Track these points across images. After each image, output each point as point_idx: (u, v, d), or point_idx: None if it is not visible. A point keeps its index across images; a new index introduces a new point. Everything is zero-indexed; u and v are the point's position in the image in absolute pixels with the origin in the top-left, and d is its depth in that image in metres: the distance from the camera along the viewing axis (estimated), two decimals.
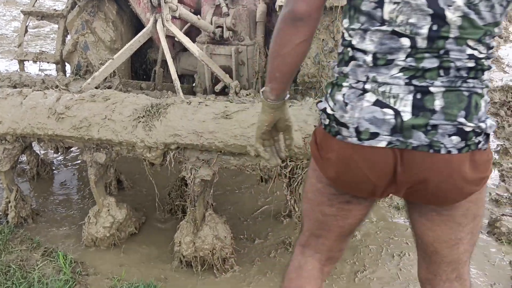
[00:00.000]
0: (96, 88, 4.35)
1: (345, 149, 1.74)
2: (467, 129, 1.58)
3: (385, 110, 1.62)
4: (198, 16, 4.78)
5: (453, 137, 1.58)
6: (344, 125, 1.71)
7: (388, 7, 1.58)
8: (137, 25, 5.49)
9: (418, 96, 1.59)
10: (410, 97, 1.59)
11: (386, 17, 1.59)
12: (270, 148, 2.32)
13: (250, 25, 5.07)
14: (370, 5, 1.61)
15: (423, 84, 1.58)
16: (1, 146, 3.91)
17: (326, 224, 2.05)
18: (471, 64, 1.57)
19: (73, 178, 5.11)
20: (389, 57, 1.61)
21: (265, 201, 4.55)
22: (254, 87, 5.03)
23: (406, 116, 1.59)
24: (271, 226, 4.14)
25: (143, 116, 3.55)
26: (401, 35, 1.59)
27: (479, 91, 1.61)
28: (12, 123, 3.79)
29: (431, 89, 1.58)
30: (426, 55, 1.57)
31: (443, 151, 1.59)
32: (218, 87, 4.99)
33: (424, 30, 1.55)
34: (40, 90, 3.95)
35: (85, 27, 5.15)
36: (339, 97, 1.73)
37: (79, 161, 5.42)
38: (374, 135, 1.65)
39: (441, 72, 1.58)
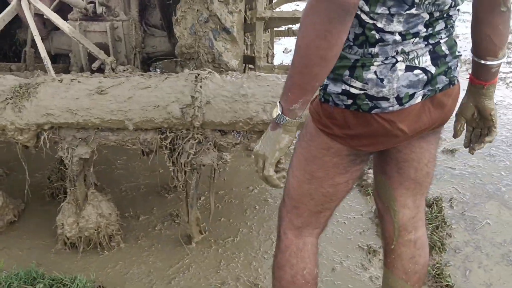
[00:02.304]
0: None
1: (384, 119, 1.86)
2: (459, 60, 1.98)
3: (416, 71, 1.82)
4: None
5: (457, 69, 1.95)
6: (383, 98, 1.81)
7: None
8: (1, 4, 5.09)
9: (431, 49, 1.85)
10: (427, 53, 1.84)
11: (417, 0, 1.72)
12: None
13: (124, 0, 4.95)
14: None
15: (435, 41, 1.85)
16: None
17: (334, 195, 2.12)
18: (454, 18, 1.92)
19: None
20: (413, 30, 1.78)
21: (148, 175, 4.56)
22: (133, 63, 4.95)
23: (432, 69, 1.84)
24: (155, 202, 4.17)
25: (11, 97, 3.36)
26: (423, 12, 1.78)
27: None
28: None
29: (440, 41, 1.87)
30: (439, 21, 1.83)
31: (455, 82, 1.95)
32: (95, 65, 4.82)
33: (446, 7, 1.80)
34: None
35: None
36: (370, 75, 1.79)
37: None
38: (412, 96, 1.84)
39: (445, 29, 1.88)
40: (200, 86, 3.33)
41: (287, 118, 1.75)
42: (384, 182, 2.30)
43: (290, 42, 9.00)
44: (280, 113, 1.75)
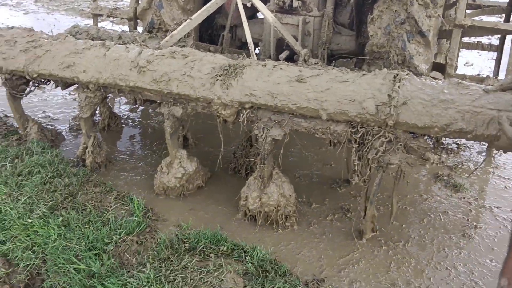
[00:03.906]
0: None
1: None
2: None
3: None
4: None
5: None
6: None
7: None
8: None
9: None
10: None
11: None
12: None
13: None
14: None
15: None
16: (83, 94, 4.18)
17: None
18: None
19: (140, 134, 5.38)
20: None
21: (320, 167, 4.69)
22: (320, 57, 5.12)
23: None
24: (327, 193, 4.28)
25: (221, 74, 3.71)
26: None
27: None
28: (96, 72, 4.03)
29: None
30: None
31: None
32: (282, 56, 5.08)
33: None
34: (121, 44, 4.18)
35: None
36: None
37: (141, 119, 5.69)
38: None
39: None
40: (398, 86, 3.32)
41: None
42: None
43: (472, 56, 8.48)
44: None
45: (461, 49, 8.14)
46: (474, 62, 8.31)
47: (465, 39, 6.31)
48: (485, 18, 7.20)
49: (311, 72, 3.61)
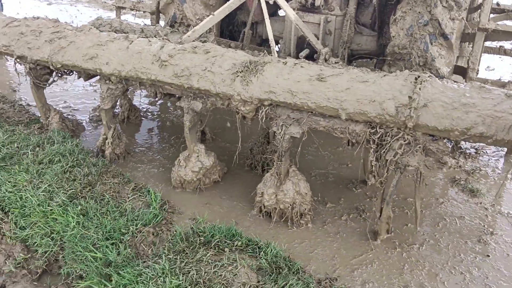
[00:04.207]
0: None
1: None
2: None
3: None
4: None
5: None
6: None
7: None
8: None
9: None
10: None
11: None
12: None
13: None
14: None
15: None
16: (105, 85, 4.24)
17: None
18: None
19: (159, 127, 5.44)
20: None
21: (336, 166, 4.69)
22: (340, 57, 5.11)
23: None
24: (342, 193, 4.28)
25: (241, 71, 3.73)
26: None
27: None
28: (118, 65, 4.08)
29: None
30: None
31: None
32: (303, 54, 5.08)
33: None
34: (144, 38, 4.23)
35: None
36: None
37: (160, 113, 5.75)
38: None
39: None
40: (419, 88, 3.30)
41: None
42: None
43: (493, 60, 8.37)
44: None
45: (483, 54, 8.07)
46: (495, 66, 8.21)
47: (487, 44, 6.24)
48: (509, 22, 7.08)
49: (331, 71, 3.61)
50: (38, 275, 3.34)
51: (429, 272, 3.38)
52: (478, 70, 6.27)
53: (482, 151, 5.03)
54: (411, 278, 3.32)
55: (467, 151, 4.99)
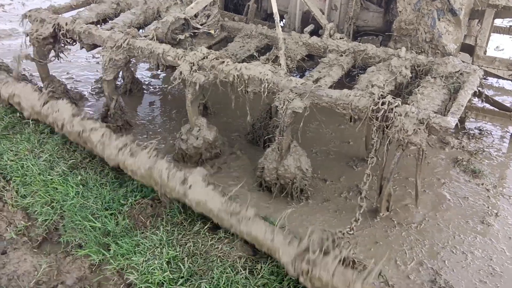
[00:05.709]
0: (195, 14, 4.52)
1: None
2: None
3: None
4: None
5: None
6: None
7: None
8: None
9: None
10: None
11: None
12: None
13: None
14: None
15: None
16: (108, 56, 4.19)
17: None
18: None
19: (160, 100, 5.40)
20: None
21: (337, 144, 4.66)
22: (345, 33, 5.03)
23: None
24: (343, 171, 4.25)
25: None
26: None
27: None
28: None
29: None
30: None
31: None
32: (307, 29, 5.00)
33: None
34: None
35: None
36: None
37: (162, 86, 5.71)
38: None
39: None
40: None
41: None
42: None
43: (503, 40, 8.22)
44: None
45: (492, 33, 7.92)
46: (505, 47, 8.06)
47: (497, 23, 6.11)
48: None
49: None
50: (38, 242, 3.37)
51: (429, 250, 3.38)
52: (486, 49, 6.16)
53: (486, 132, 4.97)
54: (411, 256, 3.31)
55: (471, 132, 4.94)
